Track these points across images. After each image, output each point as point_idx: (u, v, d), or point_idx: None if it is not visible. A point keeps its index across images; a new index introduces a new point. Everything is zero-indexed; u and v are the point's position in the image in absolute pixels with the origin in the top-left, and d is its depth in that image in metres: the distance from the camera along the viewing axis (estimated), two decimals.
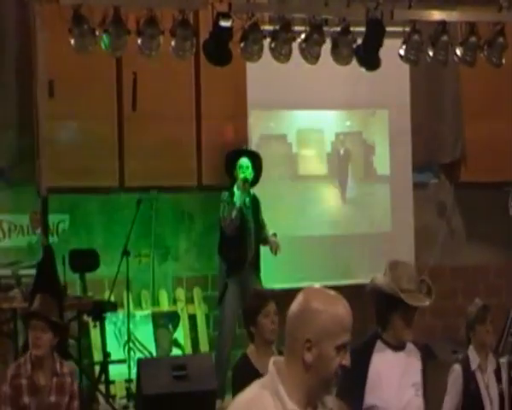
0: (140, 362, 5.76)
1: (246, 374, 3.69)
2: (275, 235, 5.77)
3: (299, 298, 1.93)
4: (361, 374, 3.17)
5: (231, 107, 6.26)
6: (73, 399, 4.15)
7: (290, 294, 2.40)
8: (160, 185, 6.09)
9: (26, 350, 4.51)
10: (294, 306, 1.93)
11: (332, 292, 2.00)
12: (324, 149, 6.50)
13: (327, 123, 6.53)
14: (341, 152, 6.51)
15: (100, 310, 5.97)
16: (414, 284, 3.33)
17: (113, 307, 6.01)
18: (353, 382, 3.00)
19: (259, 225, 5.86)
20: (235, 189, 5.67)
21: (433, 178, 7.36)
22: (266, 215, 5.97)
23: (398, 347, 3.35)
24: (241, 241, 5.80)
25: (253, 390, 1.94)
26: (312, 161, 6.42)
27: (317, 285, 2.05)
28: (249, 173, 5.73)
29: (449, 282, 6.67)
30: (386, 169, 6.67)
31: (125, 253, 5.96)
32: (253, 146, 6.15)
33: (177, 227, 6.40)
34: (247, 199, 5.75)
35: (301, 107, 6.36)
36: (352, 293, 3.25)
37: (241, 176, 5.68)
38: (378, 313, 3.37)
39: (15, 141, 6.06)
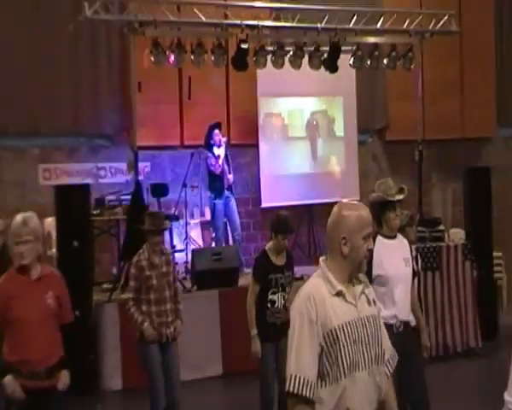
0: (193, 251, 7.92)
1: (263, 264, 4.95)
2: None
3: (334, 210, 2.41)
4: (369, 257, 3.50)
5: (247, 96, 8.93)
6: (174, 268, 5.42)
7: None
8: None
9: (125, 246, 7.17)
10: (331, 216, 2.41)
11: (355, 202, 2.53)
12: (304, 121, 9.36)
13: (305, 105, 9.38)
14: (314, 123, 9.43)
15: (168, 220, 8.88)
16: (393, 189, 4.28)
17: (177, 218, 8.49)
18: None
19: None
20: None
21: (369, 138, 10.24)
22: (269, 161, 9.05)
23: (391, 237, 4.26)
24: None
25: (311, 281, 2.43)
26: (297, 128, 9.30)
27: (344, 200, 2.54)
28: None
29: None
30: (341, 133, 9.61)
31: (184, 185, 8.51)
32: (260, 120, 8.99)
33: None
34: None
35: (290, 95, 9.20)
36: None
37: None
38: (375, 217, 4.06)
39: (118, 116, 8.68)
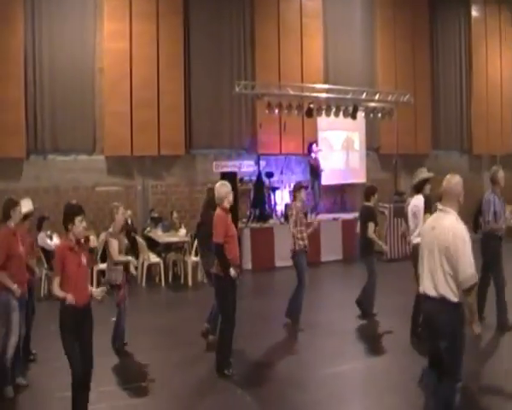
0: None
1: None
2: None
3: (454, 178, 4.96)
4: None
5: (312, 130, 18.61)
6: None
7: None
8: None
9: (253, 201, 16.83)
10: (451, 182, 4.90)
11: (455, 174, 4.85)
12: (340, 142, 19.04)
13: (340, 134, 18.88)
14: (345, 143, 19.22)
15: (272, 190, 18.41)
16: (424, 173, 8.62)
17: (278, 188, 18.27)
18: None
19: None
20: None
21: (370, 152, 19.97)
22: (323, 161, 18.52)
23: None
24: None
25: (453, 217, 4.82)
26: (336, 145, 18.85)
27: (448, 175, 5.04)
28: None
29: None
30: (358, 148, 19.38)
31: (281, 172, 18.50)
32: (319, 141, 18.43)
33: None
34: None
35: (333, 129, 18.71)
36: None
37: None
38: (416, 188, 8.66)
39: (249, 139, 18.31)
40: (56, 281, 5.66)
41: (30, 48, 15.51)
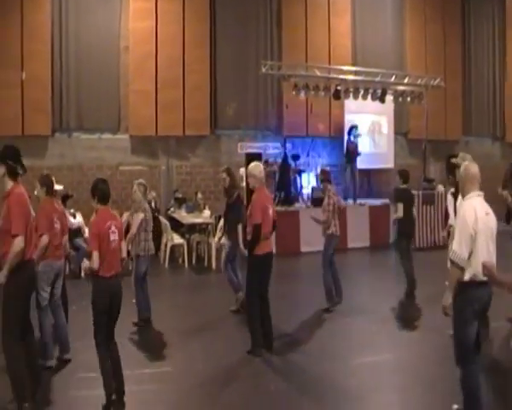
0: None
1: None
2: None
3: (474, 166, 5.07)
4: None
5: (339, 113, 18.25)
6: None
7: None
8: None
9: (279, 183, 16.56)
10: (472, 168, 5.03)
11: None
12: (367, 125, 18.69)
13: (368, 117, 18.49)
14: (372, 127, 18.84)
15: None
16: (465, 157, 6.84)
17: (304, 171, 18.06)
18: None
19: None
20: None
21: (399, 136, 19.74)
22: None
23: None
24: None
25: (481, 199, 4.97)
26: (363, 129, 18.55)
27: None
28: None
29: None
30: (386, 132, 19.04)
31: (307, 155, 18.23)
32: (345, 124, 18.05)
33: None
34: None
35: (360, 113, 18.36)
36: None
37: None
38: (450, 170, 7.25)
39: (276, 120, 18.08)
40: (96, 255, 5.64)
41: (56, 26, 15.48)
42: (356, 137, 16.66)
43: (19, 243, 5.33)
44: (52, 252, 6.85)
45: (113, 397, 5.69)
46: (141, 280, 8.67)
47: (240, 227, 9.09)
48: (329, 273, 9.37)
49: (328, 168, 12.11)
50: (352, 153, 16.51)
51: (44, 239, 6.67)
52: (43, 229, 6.69)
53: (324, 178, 9.83)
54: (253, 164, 7.70)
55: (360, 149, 17.18)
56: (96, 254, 5.61)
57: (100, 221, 5.76)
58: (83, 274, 5.56)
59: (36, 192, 7.08)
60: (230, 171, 9.44)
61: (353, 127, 16.76)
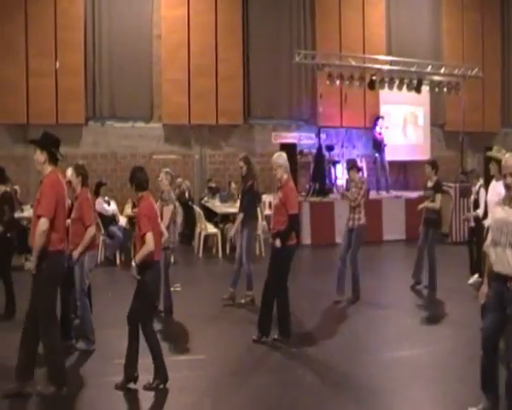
0: None
1: None
2: None
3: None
4: None
5: (374, 103, 17.82)
6: None
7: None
8: None
9: (313, 174, 16.35)
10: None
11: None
12: (402, 116, 18.25)
13: (403, 108, 18.22)
14: (407, 118, 18.38)
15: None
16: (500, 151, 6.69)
17: (338, 162, 17.78)
18: None
19: None
20: None
21: (435, 128, 19.19)
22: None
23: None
24: None
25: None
26: (395, 120, 18.05)
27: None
28: None
29: None
30: (422, 123, 18.52)
31: (342, 146, 17.92)
32: (380, 114, 17.71)
33: None
34: None
35: (395, 103, 17.95)
36: None
37: None
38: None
39: (309, 110, 17.78)
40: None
41: (89, 15, 15.46)
42: (382, 128, 16.37)
43: (43, 224, 5.29)
44: (95, 242, 7.12)
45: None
46: (166, 271, 8.51)
47: (240, 216, 9.00)
48: (357, 267, 9.20)
49: (355, 158, 11.83)
50: (379, 144, 16.23)
51: (91, 230, 6.77)
52: (91, 221, 6.84)
53: (351, 166, 9.57)
54: (276, 154, 7.51)
55: (394, 140, 16.81)
56: (150, 235, 5.52)
57: (148, 205, 5.75)
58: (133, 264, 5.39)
59: (67, 178, 7.05)
60: (248, 159, 9.21)
61: (379, 118, 16.48)
